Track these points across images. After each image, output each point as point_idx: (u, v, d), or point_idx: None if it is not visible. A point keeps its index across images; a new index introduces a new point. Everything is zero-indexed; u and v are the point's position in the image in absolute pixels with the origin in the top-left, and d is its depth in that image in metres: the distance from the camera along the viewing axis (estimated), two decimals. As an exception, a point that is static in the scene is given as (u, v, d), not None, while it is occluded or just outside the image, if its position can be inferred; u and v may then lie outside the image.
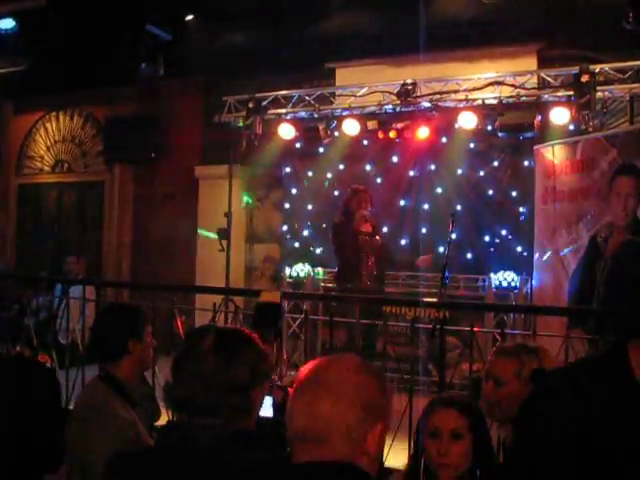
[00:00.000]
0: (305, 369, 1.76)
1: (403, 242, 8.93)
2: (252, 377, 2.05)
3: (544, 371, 2.62)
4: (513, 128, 7.86)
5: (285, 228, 10.07)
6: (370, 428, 1.66)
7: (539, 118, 7.59)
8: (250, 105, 8.81)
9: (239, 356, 2.06)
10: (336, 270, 7.92)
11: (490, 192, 8.65)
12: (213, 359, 2.03)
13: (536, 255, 7.65)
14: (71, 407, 5.62)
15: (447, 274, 6.59)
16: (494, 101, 7.83)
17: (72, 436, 2.97)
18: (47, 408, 3.22)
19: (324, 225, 9.61)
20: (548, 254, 7.37)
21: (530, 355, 2.80)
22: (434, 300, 6.89)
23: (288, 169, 9.94)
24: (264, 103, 8.93)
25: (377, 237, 7.48)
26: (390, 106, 8.48)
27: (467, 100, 8.01)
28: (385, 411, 1.74)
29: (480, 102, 7.94)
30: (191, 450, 1.92)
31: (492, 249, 8.60)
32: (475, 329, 5.33)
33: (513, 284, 7.95)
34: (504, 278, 7.99)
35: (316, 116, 8.89)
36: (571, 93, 7.30)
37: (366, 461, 1.65)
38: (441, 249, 8.00)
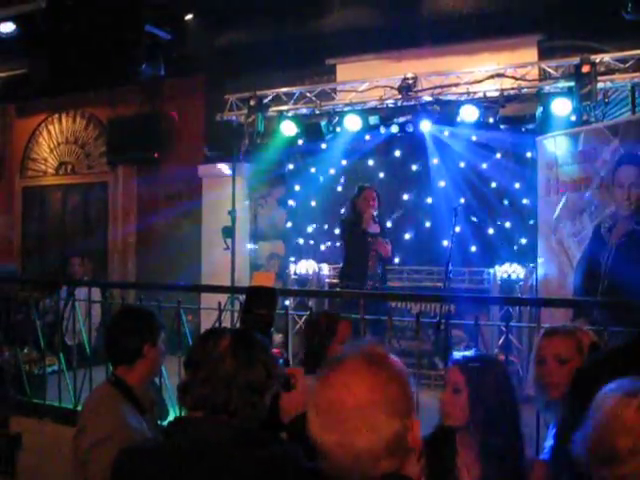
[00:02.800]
0: (321, 394, 1.58)
1: (407, 236, 8.90)
2: (268, 378, 2.12)
3: (600, 345, 2.77)
4: (515, 120, 7.86)
5: (289, 225, 10.08)
6: (409, 428, 1.55)
7: (540, 109, 7.60)
8: (252, 103, 8.84)
9: (255, 358, 2.13)
10: (340, 266, 7.90)
11: (493, 184, 8.62)
12: (232, 360, 2.09)
13: (540, 246, 7.64)
14: (79, 408, 5.66)
15: (451, 267, 6.59)
16: (495, 93, 7.83)
17: (78, 439, 2.97)
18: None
19: (320, 224, 9.65)
20: (552, 245, 7.36)
21: (579, 331, 2.86)
22: (439, 294, 6.91)
23: (291, 166, 9.93)
24: (266, 100, 8.95)
25: (382, 239, 7.43)
26: (391, 101, 8.48)
27: (468, 93, 8.03)
28: (412, 400, 1.61)
29: (481, 95, 7.96)
30: (204, 445, 1.95)
31: (496, 241, 8.56)
32: (480, 322, 5.34)
33: (518, 276, 7.93)
34: (509, 270, 7.97)
35: (318, 112, 8.92)
36: (572, 84, 7.29)
37: (413, 458, 1.58)
38: (445, 242, 8.01)
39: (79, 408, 5.64)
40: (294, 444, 2.06)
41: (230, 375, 2.06)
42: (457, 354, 2.70)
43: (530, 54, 8.31)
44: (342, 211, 8.67)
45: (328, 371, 1.61)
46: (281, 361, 2.93)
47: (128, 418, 2.91)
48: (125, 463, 2.06)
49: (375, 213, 7.42)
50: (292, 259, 9.66)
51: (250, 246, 10.31)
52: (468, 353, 2.68)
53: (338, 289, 7.86)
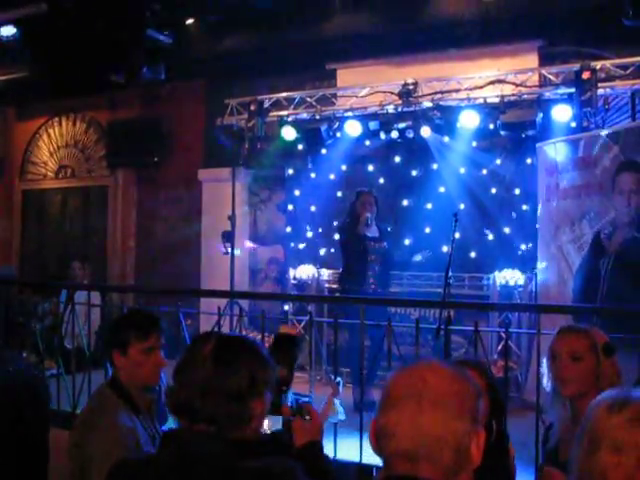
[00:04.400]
0: (396, 381, 1.62)
1: (407, 242, 8.90)
2: (251, 386, 2.00)
3: (613, 344, 2.80)
4: (515, 126, 7.85)
5: (289, 230, 10.08)
6: (475, 436, 1.55)
7: (541, 116, 7.60)
8: (252, 107, 8.86)
9: (238, 363, 2.02)
10: (340, 271, 7.89)
11: (493, 190, 8.63)
12: (211, 365, 2.01)
13: (540, 253, 7.64)
14: (78, 412, 5.65)
15: (451, 273, 6.57)
16: (496, 99, 7.85)
17: (75, 440, 2.99)
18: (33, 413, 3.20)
19: (320, 229, 9.65)
20: (552, 251, 7.36)
21: (593, 330, 2.89)
22: (438, 300, 6.89)
23: (291, 171, 9.93)
24: (266, 105, 8.97)
25: (383, 243, 7.42)
26: (392, 106, 8.51)
27: (469, 99, 8.06)
28: (480, 414, 1.62)
29: (482, 101, 7.98)
30: (186, 458, 1.91)
31: (496, 247, 8.56)
32: (480, 328, 5.33)
33: (517, 282, 7.92)
34: (509, 276, 7.96)
35: (318, 117, 8.93)
36: (572, 90, 7.31)
37: (469, 470, 1.57)
38: (445, 248, 8.00)
39: (78, 411, 5.65)
40: (292, 459, 2.04)
41: (206, 381, 1.98)
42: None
43: (530, 60, 8.32)
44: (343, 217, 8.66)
45: (404, 367, 1.66)
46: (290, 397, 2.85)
47: (121, 418, 2.93)
48: (118, 477, 2.04)
49: (369, 216, 7.36)
50: (292, 264, 9.63)
51: (249, 244, 10.29)
52: None
53: (337, 294, 7.85)
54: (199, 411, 1.97)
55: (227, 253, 9.25)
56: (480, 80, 7.89)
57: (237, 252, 9.36)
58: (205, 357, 2.03)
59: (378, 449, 1.59)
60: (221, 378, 1.98)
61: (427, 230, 8.93)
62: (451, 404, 1.54)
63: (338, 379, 4.86)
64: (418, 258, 7.90)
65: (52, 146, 12.36)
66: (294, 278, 9.19)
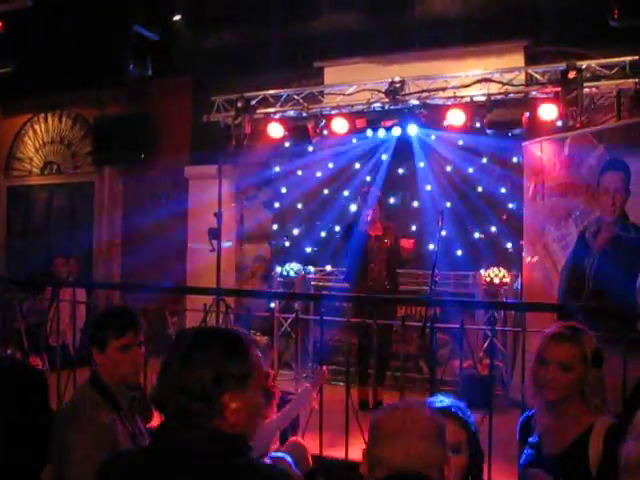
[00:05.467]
0: (389, 416, 1.97)
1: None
2: (217, 382, 1.94)
3: (602, 353, 2.81)
4: (501, 125, 7.88)
5: (275, 227, 10.07)
6: (447, 461, 1.93)
7: (527, 115, 7.61)
8: (239, 104, 8.82)
9: (201, 361, 1.96)
10: (344, 270, 7.84)
11: (479, 189, 8.67)
12: (178, 363, 1.98)
13: (525, 251, 7.67)
14: (63, 409, 5.63)
15: (437, 271, 6.59)
16: (482, 98, 7.85)
17: (55, 436, 3.01)
18: (39, 413, 3.21)
19: (306, 227, 9.62)
20: (537, 250, 7.39)
21: (585, 338, 2.87)
22: (424, 297, 6.91)
23: (277, 168, 9.94)
24: (253, 102, 8.93)
25: (386, 240, 7.41)
26: (379, 104, 8.49)
27: (455, 97, 8.05)
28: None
29: (468, 99, 7.99)
30: (159, 455, 1.95)
31: (482, 245, 8.60)
32: (465, 326, 5.35)
33: (503, 280, 7.95)
34: (494, 274, 7.99)
35: (305, 115, 8.90)
36: (558, 89, 7.32)
37: None
38: (431, 246, 8.02)
39: (62, 409, 5.62)
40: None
41: (174, 379, 1.96)
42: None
43: (517, 59, 8.35)
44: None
45: (387, 409, 2.04)
46: None
47: (99, 415, 2.95)
48: (106, 475, 2.04)
49: (370, 213, 7.33)
50: (277, 261, 9.62)
51: (236, 248, 10.28)
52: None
53: (329, 292, 7.84)
54: (169, 408, 1.97)
55: (213, 250, 9.23)
56: (466, 79, 7.89)
57: (223, 249, 9.35)
58: (177, 354, 2.01)
59: (370, 476, 1.93)
60: (185, 376, 1.94)
61: (413, 228, 8.96)
62: (436, 435, 1.92)
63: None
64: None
65: (38, 142, 12.29)
66: (280, 275, 9.18)
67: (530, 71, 7.84)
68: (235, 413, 1.95)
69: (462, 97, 8.00)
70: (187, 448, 1.90)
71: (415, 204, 9.01)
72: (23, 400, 3.27)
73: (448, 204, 8.51)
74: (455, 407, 2.52)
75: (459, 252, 8.59)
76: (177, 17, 9.18)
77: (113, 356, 3.10)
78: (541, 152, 7.34)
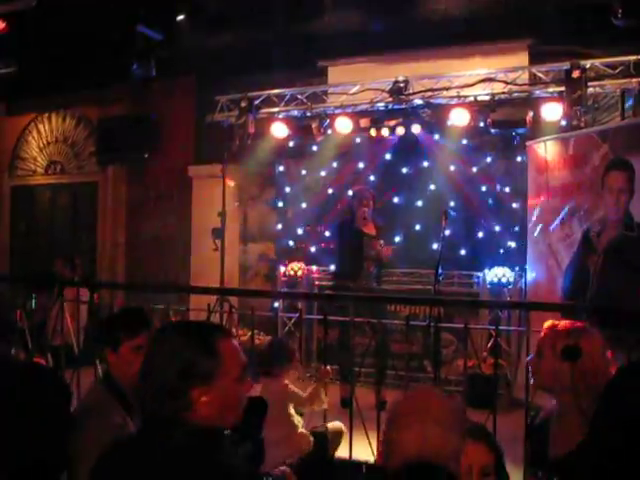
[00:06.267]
0: (407, 401, 1.96)
1: (397, 239, 8.91)
2: (183, 376, 1.97)
3: (576, 349, 2.74)
4: (505, 124, 7.86)
5: (279, 227, 10.08)
6: (464, 448, 1.90)
7: (531, 114, 7.60)
8: (242, 104, 8.81)
9: (170, 355, 2.01)
10: (335, 267, 7.88)
11: (483, 188, 8.67)
12: (148, 359, 2.05)
13: (530, 250, 7.66)
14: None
15: (441, 271, 6.58)
16: (486, 97, 7.84)
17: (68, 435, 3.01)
18: (57, 414, 3.20)
19: (308, 226, 9.66)
20: (541, 249, 7.38)
21: (559, 330, 2.89)
22: (428, 297, 6.91)
23: (281, 168, 9.96)
24: (256, 102, 8.93)
25: (379, 241, 7.44)
26: (382, 104, 8.48)
27: (459, 97, 8.04)
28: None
29: (472, 99, 7.97)
30: (137, 449, 2.00)
31: (486, 245, 8.59)
32: (469, 326, 5.35)
33: (507, 280, 7.95)
34: (499, 274, 8.00)
35: (309, 114, 8.89)
36: (562, 89, 7.30)
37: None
38: (435, 246, 8.02)
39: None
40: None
41: (146, 374, 2.02)
42: None
43: (521, 58, 8.34)
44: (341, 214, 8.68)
45: (405, 394, 2.06)
46: None
47: (110, 415, 2.97)
48: (101, 463, 2.08)
49: (367, 211, 7.37)
50: (281, 261, 9.62)
51: (239, 247, 10.28)
52: None
53: (329, 291, 7.84)
54: (147, 403, 2.02)
55: (217, 250, 9.25)
56: (470, 78, 7.88)
57: (227, 249, 9.36)
58: (149, 351, 2.08)
59: (385, 461, 1.89)
60: (154, 372, 2.00)
61: (417, 227, 8.95)
62: (451, 421, 1.86)
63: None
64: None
65: (42, 142, 12.31)
66: (284, 275, 9.18)
67: (534, 70, 7.84)
68: (206, 406, 1.98)
69: (466, 96, 7.99)
70: (157, 442, 1.95)
71: (419, 203, 8.99)
72: (43, 400, 3.26)
73: (452, 203, 8.48)
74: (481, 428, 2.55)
75: (463, 252, 8.59)
76: (180, 17, 9.17)
77: (126, 356, 3.12)
78: (545, 152, 7.33)
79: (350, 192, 7.70)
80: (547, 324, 2.97)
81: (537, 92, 7.75)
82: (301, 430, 4.83)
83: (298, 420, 4.85)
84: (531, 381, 3.11)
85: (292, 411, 4.80)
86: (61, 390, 3.32)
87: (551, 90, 7.59)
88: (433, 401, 1.90)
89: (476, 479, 2.39)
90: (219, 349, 2.04)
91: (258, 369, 4.80)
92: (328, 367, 5.08)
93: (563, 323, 2.96)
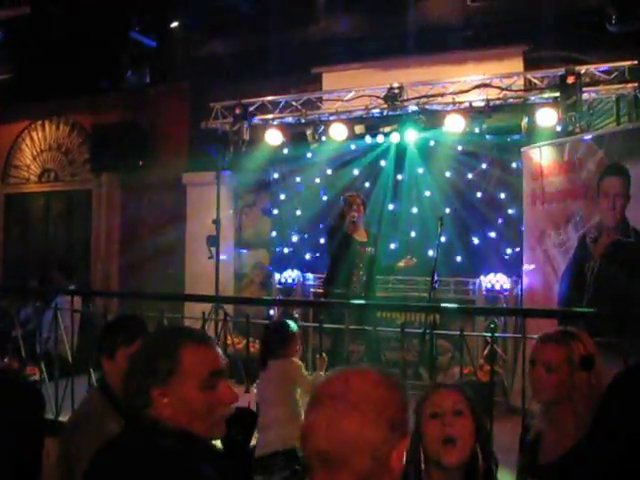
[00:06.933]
0: (324, 381, 1.67)
1: (392, 246, 8.90)
2: (144, 376, 2.04)
3: (592, 357, 2.76)
4: (500, 130, 7.93)
5: (274, 234, 10.06)
6: (395, 445, 1.57)
7: (526, 120, 7.61)
8: (237, 111, 8.81)
9: (137, 356, 2.11)
10: (325, 275, 7.87)
11: (478, 194, 8.66)
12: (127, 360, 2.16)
13: (525, 257, 7.65)
14: (61, 418, 5.61)
15: (437, 277, 6.58)
16: (481, 103, 7.84)
17: (62, 444, 3.03)
18: (30, 421, 3.19)
19: (305, 233, 9.63)
20: (537, 255, 7.38)
21: (575, 341, 2.84)
22: (424, 304, 6.89)
23: (276, 175, 9.92)
24: (251, 109, 8.94)
25: (369, 248, 7.44)
26: (377, 110, 8.49)
27: (454, 103, 8.05)
28: (408, 425, 1.65)
29: (467, 105, 7.97)
30: (116, 447, 2.07)
31: (481, 251, 8.58)
32: (465, 333, 5.34)
33: (503, 286, 7.96)
34: (494, 280, 8.01)
35: (303, 121, 8.91)
36: (557, 94, 7.32)
37: (388, 479, 1.57)
38: (430, 252, 8.01)
39: (61, 418, 5.61)
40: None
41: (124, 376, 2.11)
42: None
43: (516, 64, 8.35)
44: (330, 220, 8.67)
45: (335, 370, 1.70)
46: None
47: (107, 423, 2.93)
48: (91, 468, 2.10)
49: (356, 215, 7.34)
50: (276, 268, 9.62)
51: (234, 255, 10.27)
52: None
53: (322, 299, 7.82)
54: (125, 402, 2.11)
55: (212, 258, 9.23)
56: (465, 84, 7.90)
57: (222, 256, 9.35)
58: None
59: (302, 449, 1.61)
60: (127, 373, 2.09)
61: (413, 234, 8.93)
62: (371, 410, 1.55)
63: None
64: (401, 264, 7.89)
65: (35, 149, 12.28)
66: (279, 282, 9.18)
67: (529, 76, 7.86)
68: (167, 408, 2.01)
69: (461, 102, 7.99)
70: (129, 439, 2.02)
71: (414, 210, 8.98)
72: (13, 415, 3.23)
73: (447, 210, 8.47)
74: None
75: (459, 258, 8.56)
76: (175, 24, 9.18)
77: (122, 363, 3.06)
78: (540, 157, 7.31)
79: (343, 198, 7.65)
80: (543, 339, 2.92)
81: (532, 98, 7.77)
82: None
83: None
84: (530, 395, 3.05)
85: (298, 397, 4.83)
86: (34, 398, 3.30)
87: (546, 96, 7.61)
88: (356, 382, 1.59)
89: (449, 418, 2.47)
90: (180, 352, 2.06)
91: (264, 355, 4.91)
92: (324, 355, 5.12)
93: (555, 331, 2.94)
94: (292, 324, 5.03)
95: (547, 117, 7.38)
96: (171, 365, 2.03)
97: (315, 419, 1.57)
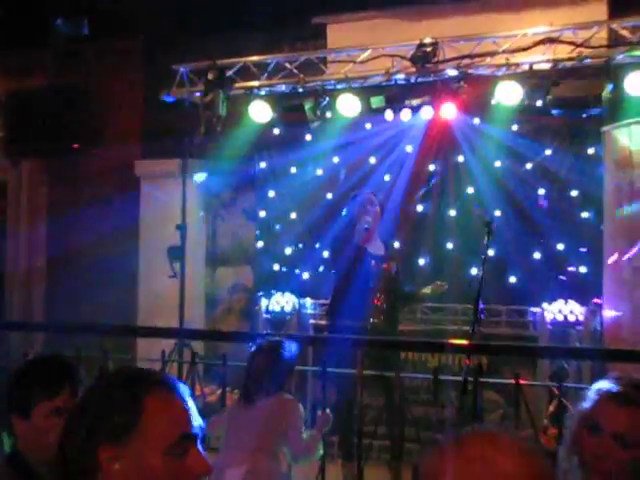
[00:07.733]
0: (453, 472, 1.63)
1: (422, 262, 8.85)
2: (90, 432, 2.00)
3: None
4: (572, 103, 7.90)
5: (260, 245, 10.04)
6: None
7: (610, 88, 7.55)
8: (210, 76, 8.80)
9: (85, 402, 2.11)
10: (329, 301, 7.82)
11: (541, 192, 8.68)
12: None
13: (607, 278, 7.62)
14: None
15: (483, 305, 6.50)
16: (546, 66, 7.86)
17: None
18: None
19: (302, 244, 9.61)
20: (624, 277, 7.32)
21: None
22: (465, 342, 6.82)
23: (263, 164, 9.95)
24: (229, 73, 8.94)
25: (388, 264, 7.40)
26: (402, 76, 8.48)
27: (508, 65, 8.03)
28: None
29: (526, 68, 7.95)
30: None
31: (545, 270, 8.58)
32: (522, 381, 5.26)
33: (576, 318, 7.94)
34: (563, 310, 7.97)
35: (301, 91, 8.93)
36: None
37: None
38: (474, 271, 7.96)
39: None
40: None
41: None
42: None
43: (597, 11, 8.27)
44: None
45: (457, 443, 1.67)
46: None
47: None
48: None
49: (369, 220, 7.27)
50: (263, 292, 9.54)
51: (206, 273, 10.24)
52: None
53: (325, 334, 7.79)
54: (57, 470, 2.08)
55: (175, 276, 9.18)
56: (525, 39, 7.86)
57: (189, 275, 9.30)
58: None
59: None
60: (65, 427, 2.09)
61: (449, 246, 8.95)
62: None
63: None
64: (427, 291, 7.83)
65: None
66: (266, 311, 9.16)
67: (615, 26, 7.77)
68: (118, 476, 1.97)
69: (518, 65, 7.99)
70: None
71: (451, 213, 8.99)
72: None
73: (497, 213, 8.44)
74: None
75: (513, 279, 8.59)
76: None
77: (41, 424, 3.07)
78: (630, 140, 7.32)
79: (353, 198, 7.61)
80: (617, 396, 2.75)
81: (619, 57, 7.70)
82: None
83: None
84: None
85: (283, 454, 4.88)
86: None
87: (638, 54, 7.52)
88: (499, 460, 1.59)
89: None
90: (143, 403, 2.02)
91: (249, 389, 5.10)
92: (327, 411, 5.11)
93: (626, 387, 2.80)
94: (293, 345, 5.11)
95: (639, 84, 7.32)
96: (130, 418, 1.99)
97: None
